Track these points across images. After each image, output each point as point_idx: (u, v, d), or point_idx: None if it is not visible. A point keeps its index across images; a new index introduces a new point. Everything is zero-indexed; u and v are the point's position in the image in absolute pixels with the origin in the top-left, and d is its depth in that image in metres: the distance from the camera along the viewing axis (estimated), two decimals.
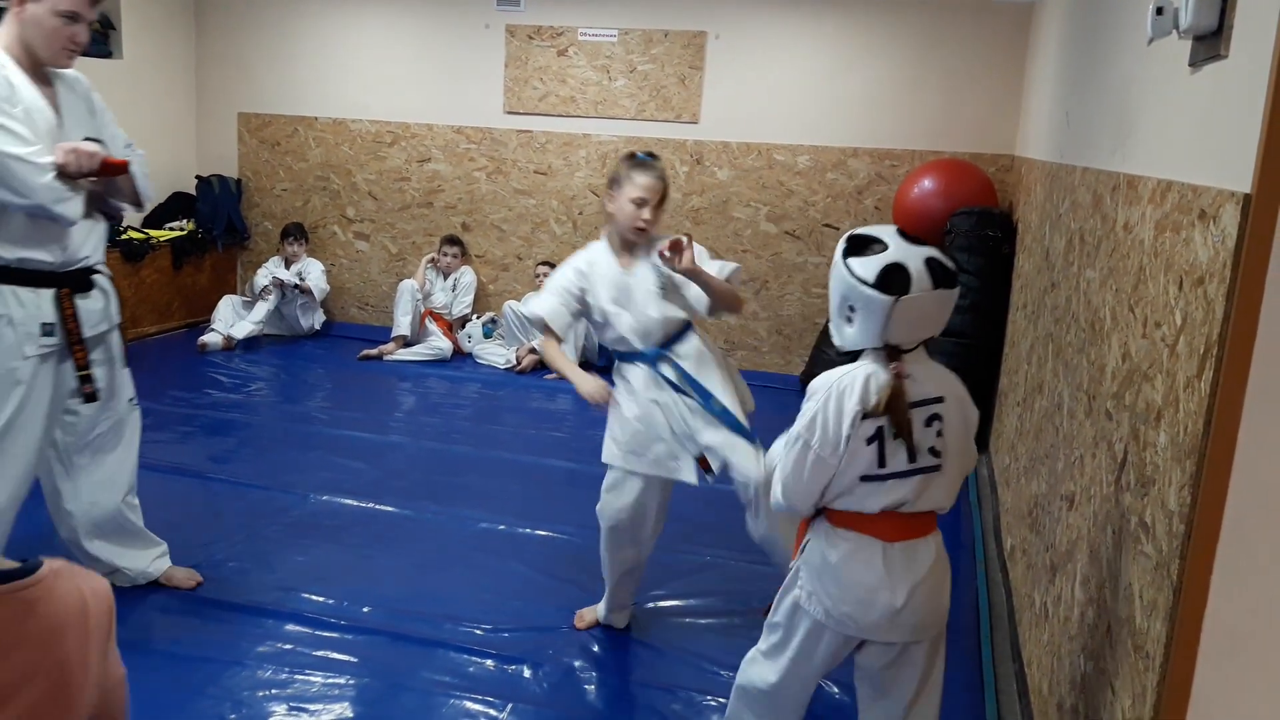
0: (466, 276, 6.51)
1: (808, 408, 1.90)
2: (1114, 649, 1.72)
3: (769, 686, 2.12)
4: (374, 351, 6.19)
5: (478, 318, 6.48)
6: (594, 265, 2.79)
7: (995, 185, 5.52)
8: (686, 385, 2.71)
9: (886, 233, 1.87)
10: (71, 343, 2.61)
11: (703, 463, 2.74)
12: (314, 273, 6.58)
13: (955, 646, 3.01)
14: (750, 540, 2.87)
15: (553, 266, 6.36)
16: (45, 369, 2.59)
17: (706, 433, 2.72)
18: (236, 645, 2.79)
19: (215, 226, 6.67)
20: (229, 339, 6.16)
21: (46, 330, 2.55)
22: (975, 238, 4.93)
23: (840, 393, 1.86)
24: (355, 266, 6.91)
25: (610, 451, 2.83)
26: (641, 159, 2.76)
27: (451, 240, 6.48)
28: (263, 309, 6.35)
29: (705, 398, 2.71)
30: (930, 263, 1.82)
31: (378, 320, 6.83)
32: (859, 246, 1.86)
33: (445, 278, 6.49)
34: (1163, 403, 1.59)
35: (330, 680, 2.66)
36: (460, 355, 6.34)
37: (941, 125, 5.84)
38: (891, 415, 1.83)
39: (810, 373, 5.85)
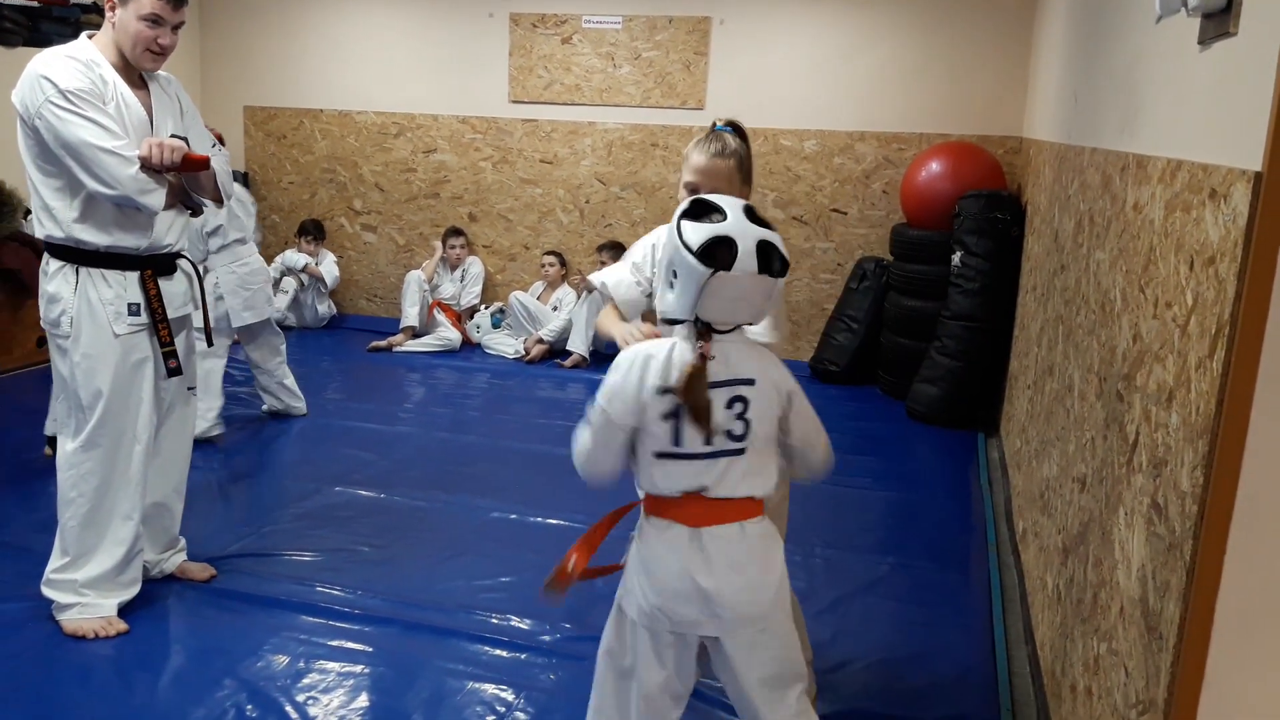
0: (474, 267, 6.52)
1: (612, 379, 1.82)
2: (1127, 631, 1.72)
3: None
4: (383, 343, 6.21)
5: (486, 308, 6.48)
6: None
7: (1003, 167, 5.49)
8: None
9: (732, 206, 1.77)
10: (156, 321, 2.76)
11: None
12: (326, 261, 6.66)
13: (967, 629, 3.03)
14: None
15: (558, 256, 6.40)
16: (139, 338, 2.74)
17: None
18: (251, 636, 2.81)
19: None
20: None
21: (133, 310, 2.71)
22: (984, 220, 4.91)
23: (644, 363, 1.80)
24: (363, 258, 6.92)
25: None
26: (720, 129, 2.28)
27: (455, 232, 6.50)
28: (283, 301, 6.42)
29: None
30: (762, 246, 1.72)
31: (386, 312, 6.84)
32: (699, 211, 1.77)
33: (453, 269, 6.50)
34: (1174, 383, 1.58)
35: (345, 669, 2.68)
36: (469, 345, 6.35)
37: (948, 108, 5.81)
38: (687, 396, 1.74)
39: (819, 359, 5.84)
